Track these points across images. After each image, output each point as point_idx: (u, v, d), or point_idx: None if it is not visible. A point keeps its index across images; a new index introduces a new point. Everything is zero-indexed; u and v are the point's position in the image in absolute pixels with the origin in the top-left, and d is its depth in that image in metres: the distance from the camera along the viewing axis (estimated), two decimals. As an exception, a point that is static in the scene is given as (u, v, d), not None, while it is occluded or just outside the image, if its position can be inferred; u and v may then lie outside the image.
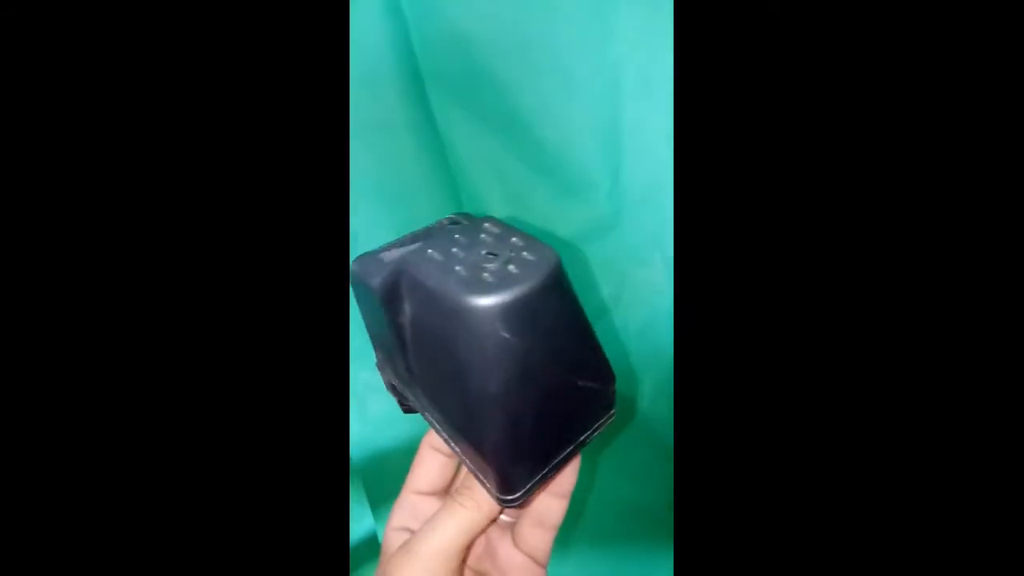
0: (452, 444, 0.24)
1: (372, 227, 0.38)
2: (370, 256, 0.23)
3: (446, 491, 0.28)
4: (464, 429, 0.22)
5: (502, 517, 0.27)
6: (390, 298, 0.22)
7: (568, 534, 0.41)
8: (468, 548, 0.24)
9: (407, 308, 0.22)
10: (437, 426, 0.24)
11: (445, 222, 0.26)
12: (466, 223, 0.25)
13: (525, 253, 0.21)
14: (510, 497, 0.22)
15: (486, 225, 0.23)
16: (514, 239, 0.22)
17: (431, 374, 0.23)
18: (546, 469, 0.23)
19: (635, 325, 0.41)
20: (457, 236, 0.23)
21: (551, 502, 0.25)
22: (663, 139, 0.35)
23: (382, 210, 0.38)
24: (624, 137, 0.36)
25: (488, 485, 0.23)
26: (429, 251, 0.21)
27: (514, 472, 0.22)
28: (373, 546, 0.42)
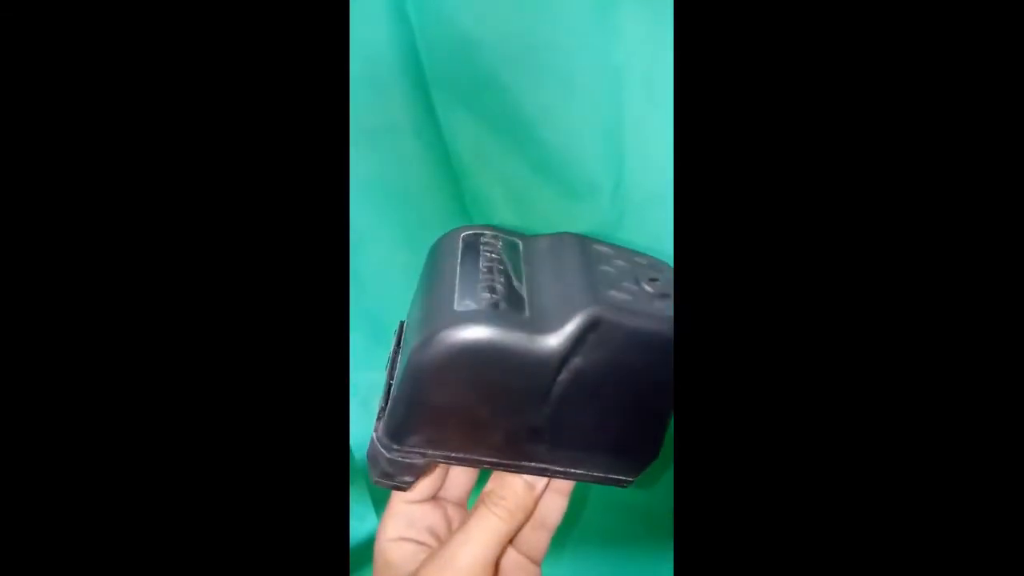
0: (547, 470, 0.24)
1: (376, 229, 0.38)
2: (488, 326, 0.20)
3: (435, 498, 0.28)
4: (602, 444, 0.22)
5: None
6: (565, 358, 0.20)
7: (568, 535, 0.41)
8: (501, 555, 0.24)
9: (577, 362, 0.21)
10: (534, 466, 0.24)
11: (463, 242, 0.25)
12: (546, 244, 0.24)
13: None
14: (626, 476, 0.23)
15: (597, 247, 0.22)
16: (636, 258, 0.22)
17: (577, 417, 0.22)
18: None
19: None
20: (599, 267, 0.21)
21: (552, 500, 0.25)
22: (665, 141, 0.35)
23: (386, 212, 0.38)
24: (627, 140, 0.36)
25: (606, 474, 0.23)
26: (612, 293, 0.20)
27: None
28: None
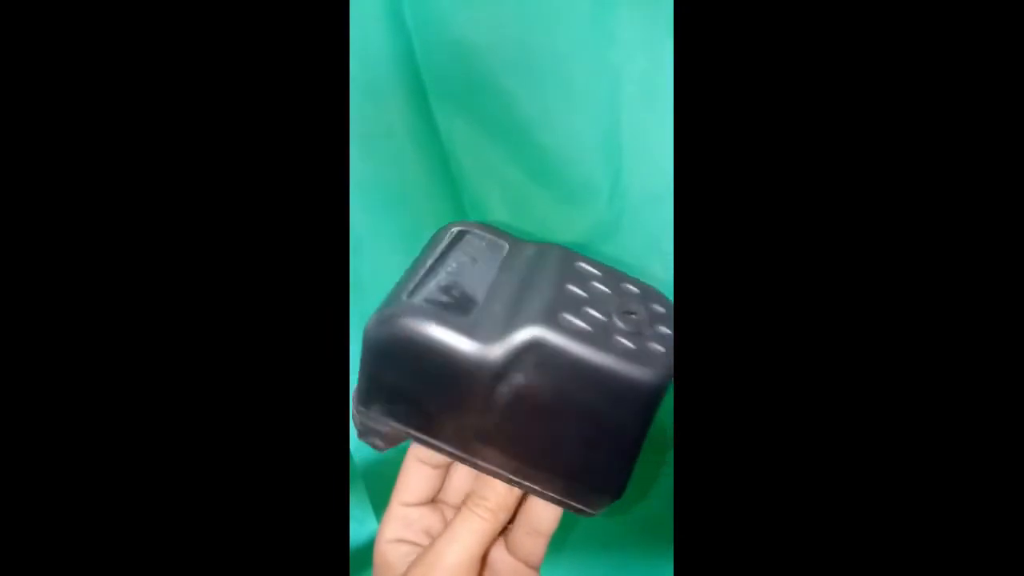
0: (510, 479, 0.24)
1: (375, 232, 0.39)
2: (438, 314, 0.21)
3: (433, 500, 0.28)
4: (555, 469, 0.22)
5: None
6: (501, 371, 0.20)
7: (567, 539, 0.41)
8: (485, 556, 0.24)
9: (518, 378, 0.20)
10: (488, 467, 0.24)
11: (450, 236, 0.25)
12: (531, 253, 0.24)
13: (660, 326, 0.20)
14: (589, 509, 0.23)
15: (582, 266, 0.22)
16: (626, 285, 0.21)
17: (525, 432, 0.22)
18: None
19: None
20: (570, 287, 0.21)
21: (544, 509, 0.25)
22: (663, 145, 0.35)
23: (384, 216, 0.38)
24: (624, 143, 0.36)
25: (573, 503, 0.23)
26: (569, 317, 0.20)
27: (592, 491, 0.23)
28: (376, 549, 0.42)
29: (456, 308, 0.21)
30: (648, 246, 0.38)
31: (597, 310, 0.20)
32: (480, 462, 0.24)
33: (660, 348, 0.20)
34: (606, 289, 0.21)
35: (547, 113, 0.35)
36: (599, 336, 0.19)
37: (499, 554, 0.27)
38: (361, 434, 0.25)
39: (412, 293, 0.21)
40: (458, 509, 0.25)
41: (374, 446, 0.25)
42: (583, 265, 0.22)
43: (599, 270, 0.22)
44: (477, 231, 0.25)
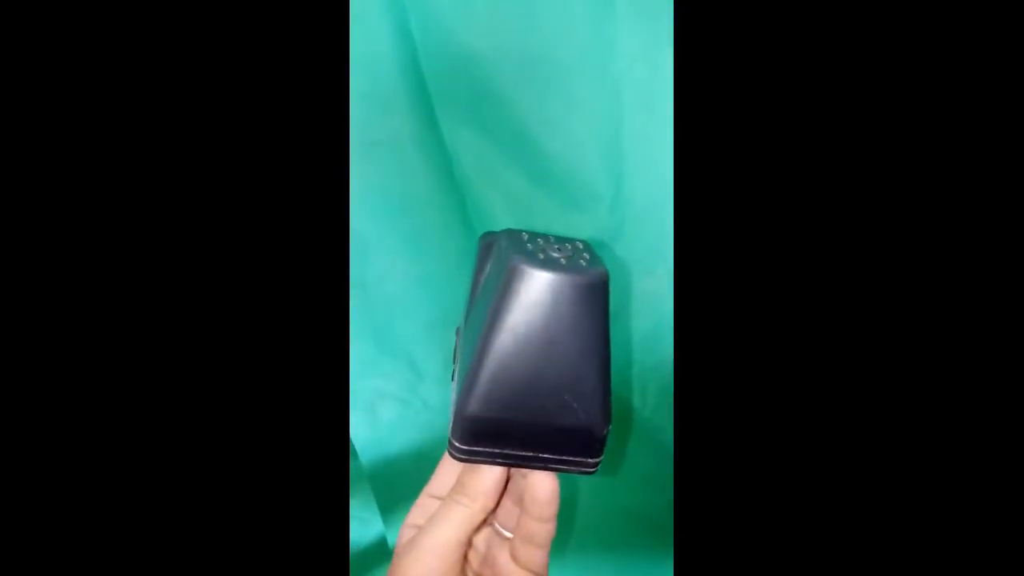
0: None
1: (381, 239, 0.39)
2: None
3: None
4: (466, 370, 0.25)
5: (503, 532, 0.28)
6: (482, 256, 0.28)
7: (569, 540, 0.41)
8: (468, 542, 0.26)
9: (487, 267, 0.27)
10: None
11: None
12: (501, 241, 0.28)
13: (584, 254, 0.25)
14: (455, 442, 0.25)
15: (523, 234, 0.27)
16: (550, 238, 0.26)
17: (475, 323, 0.26)
18: (496, 451, 0.25)
19: (639, 334, 0.41)
20: (522, 244, 0.26)
21: (536, 527, 0.26)
22: (663, 151, 0.35)
23: (390, 221, 0.39)
24: (626, 150, 0.37)
25: (451, 432, 0.25)
26: (523, 235, 0.26)
27: (468, 421, 0.24)
28: (383, 550, 0.43)
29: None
30: (651, 250, 0.39)
31: (544, 252, 0.24)
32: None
33: (592, 263, 0.24)
34: (540, 242, 0.26)
35: (550, 121, 0.36)
36: (552, 262, 0.24)
37: (504, 560, 0.28)
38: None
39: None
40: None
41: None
42: (524, 234, 0.27)
43: (533, 234, 0.27)
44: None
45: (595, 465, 0.26)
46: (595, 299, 0.23)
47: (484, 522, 0.27)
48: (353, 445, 0.42)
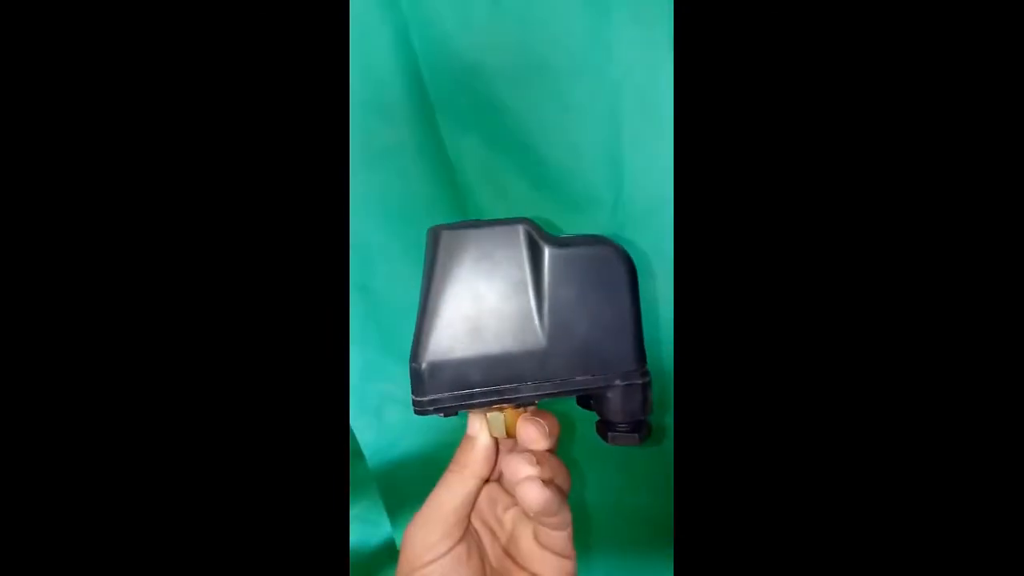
0: None
1: (384, 244, 0.40)
2: None
3: (488, 481, 0.31)
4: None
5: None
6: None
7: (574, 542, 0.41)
8: (469, 504, 0.29)
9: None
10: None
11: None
12: None
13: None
14: (413, 397, 0.27)
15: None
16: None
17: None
18: (459, 394, 0.27)
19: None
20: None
21: (546, 520, 0.27)
22: (663, 155, 0.36)
23: (393, 228, 0.39)
24: (626, 155, 0.37)
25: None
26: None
27: (420, 372, 0.26)
28: (390, 552, 0.43)
29: None
30: (651, 253, 0.39)
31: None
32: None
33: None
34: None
35: (550, 128, 0.36)
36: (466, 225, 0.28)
37: (527, 542, 0.29)
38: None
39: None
40: (510, 493, 0.30)
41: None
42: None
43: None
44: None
45: (558, 387, 0.28)
46: (509, 241, 0.28)
47: (482, 487, 0.30)
48: (360, 448, 0.43)
